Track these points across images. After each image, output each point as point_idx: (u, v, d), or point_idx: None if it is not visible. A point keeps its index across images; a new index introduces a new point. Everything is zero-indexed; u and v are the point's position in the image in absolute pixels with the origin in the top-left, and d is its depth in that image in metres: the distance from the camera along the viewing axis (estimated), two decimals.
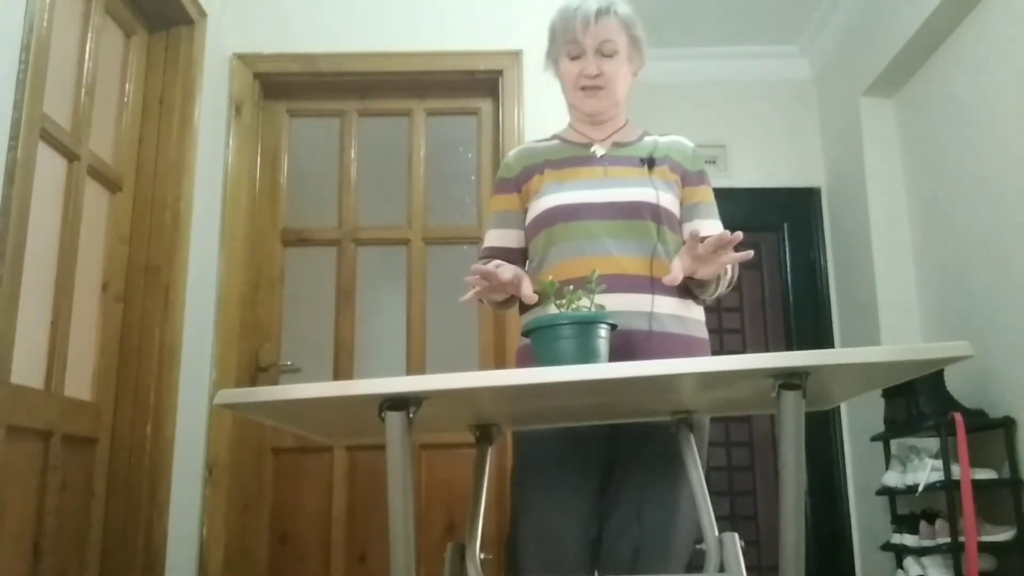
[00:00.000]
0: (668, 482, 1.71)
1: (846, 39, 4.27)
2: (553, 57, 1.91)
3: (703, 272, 1.67)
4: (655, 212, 1.78)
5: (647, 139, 1.92)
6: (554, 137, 1.97)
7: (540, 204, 1.83)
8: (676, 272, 1.65)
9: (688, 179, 1.88)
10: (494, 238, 1.91)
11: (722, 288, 1.81)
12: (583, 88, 1.85)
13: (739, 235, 1.57)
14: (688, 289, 1.78)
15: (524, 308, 1.84)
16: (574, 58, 1.85)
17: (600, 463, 1.76)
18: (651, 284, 1.73)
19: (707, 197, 1.89)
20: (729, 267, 1.77)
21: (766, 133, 4.69)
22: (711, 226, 1.84)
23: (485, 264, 1.71)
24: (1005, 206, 3.15)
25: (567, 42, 1.84)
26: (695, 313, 1.81)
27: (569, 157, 1.88)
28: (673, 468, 1.71)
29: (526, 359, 1.80)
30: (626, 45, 1.86)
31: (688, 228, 1.84)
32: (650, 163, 1.85)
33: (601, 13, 1.82)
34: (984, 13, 3.29)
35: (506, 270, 1.66)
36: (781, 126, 4.69)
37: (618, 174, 1.83)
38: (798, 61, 4.73)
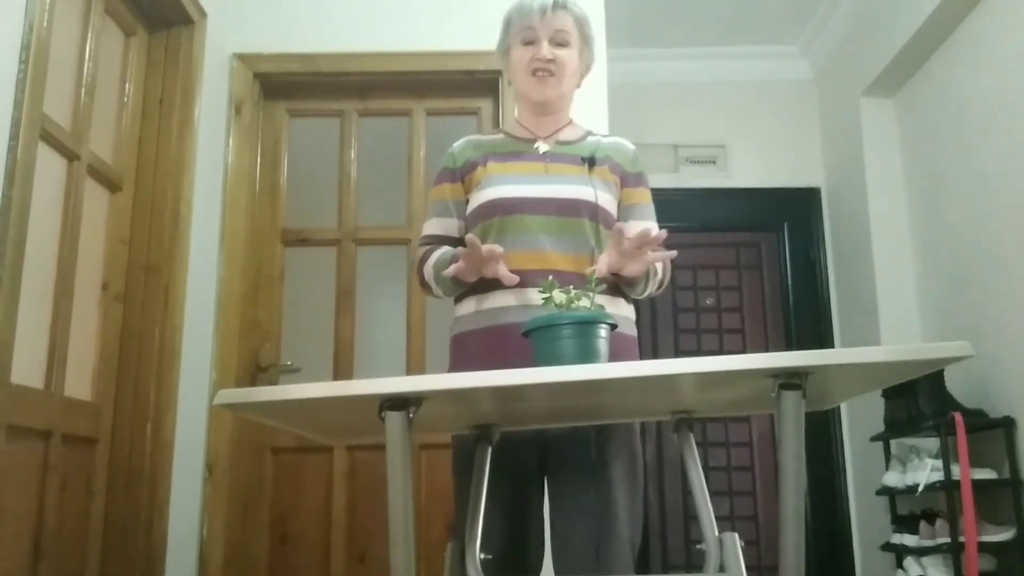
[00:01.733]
0: (604, 475, 1.72)
1: (846, 39, 4.27)
2: (505, 47, 1.94)
3: (630, 270, 1.70)
4: (593, 211, 1.81)
5: (590, 139, 1.95)
6: (499, 131, 2.00)
7: (481, 196, 1.84)
8: (600, 266, 1.68)
9: (627, 180, 1.91)
10: (436, 226, 1.91)
11: (651, 288, 1.83)
12: (535, 72, 1.87)
13: (663, 234, 1.62)
14: (619, 287, 1.80)
15: (457, 297, 1.86)
16: (527, 43, 1.87)
17: (533, 463, 1.78)
18: (583, 282, 1.74)
19: (644, 199, 1.92)
20: (659, 267, 1.80)
21: (766, 133, 4.69)
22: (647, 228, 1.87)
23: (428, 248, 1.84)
24: (1005, 206, 3.15)
25: (522, 28, 1.87)
26: (624, 311, 1.83)
27: (512, 151, 1.90)
28: (605, 460, 1.73)
29: (457, 353, 1.81)
30: (578, 40, 1.89)
31: (636, 234, 1.87)
32: (591, 162, 1.87)
33: (558, 5, 1.86)
34: (984, 13, 3.29)
35: (491, 248, 1.67)
36: (781, 126, 4.69)
37: (559, 171, 1.85)
38: (798, 61, 4.73)
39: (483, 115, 3.29)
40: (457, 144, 1.97)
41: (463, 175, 1.91)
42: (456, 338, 1.85)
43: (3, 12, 1.95)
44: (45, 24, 2.07)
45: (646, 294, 1.84)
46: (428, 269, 1.85)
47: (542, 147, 1.90)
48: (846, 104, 4.28)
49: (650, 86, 4.56)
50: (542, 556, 1.79)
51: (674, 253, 1.66)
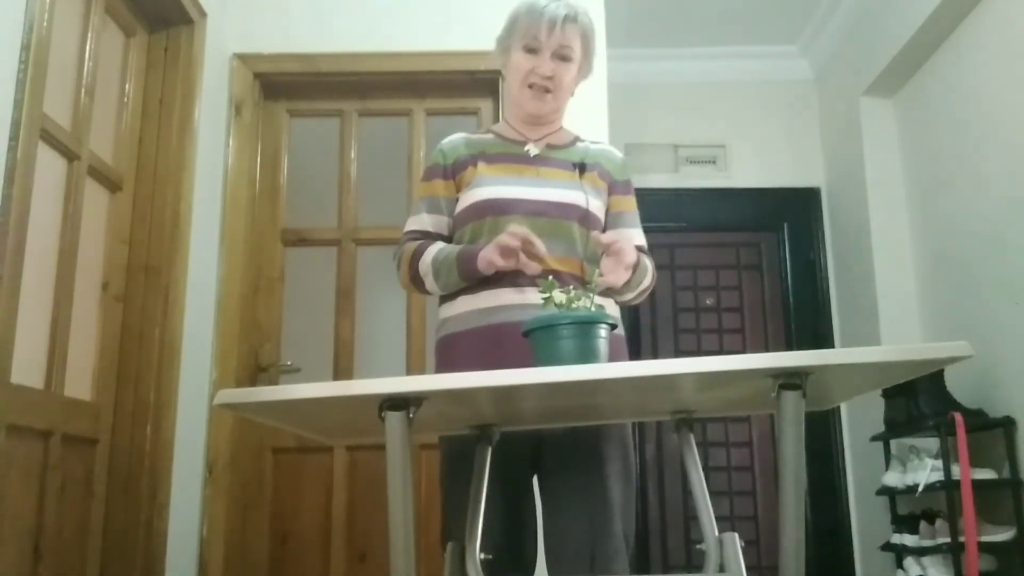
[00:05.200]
0: (598, 473, 1.72)
1: (846, 39, 4.27)
2: (505, 46, 1.92)
3: (614, 278, 1.72)
4: (583, 216, 1.81)
5: (579, 144, 1.95)
6: (489, 131, 1.98)
7: (472, 196, 1.84)
8: (619, 277, 1.69)
9: (615, 188, 1.92)
10: (426, 222, 1.89)
11: (634, 293, 1.84)
12: (531, 86, 1.86)
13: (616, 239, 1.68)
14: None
15: (444, 298, 1.87)
16: (530, 51, 1.85)
17: (525, 463, 1.78)
18: (577, 283, 1.75)
19: (630, 207, 1.93)
20: (649, 277, 1.83)
21: (766, 133, 4.68)
22: (633, 235, 1.89)
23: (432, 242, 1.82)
24: (1005, 206, 3.15)
25: (527, 36, 1.85)
26: (612, 310, 1.84)
27: (503, 152, 1.90)
28: (599, 458, 1.73)
29: (447, 355, 1.82)
30: (580, 54, 1.88)
31: (609, 236, 1.86)
32: (581, 168, 1.88)
33: (568, 19, 1.84)
34: (984, 13, 3.29)
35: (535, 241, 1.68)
36: (781, 126, 4.69)
37: (550, 175, 1.86)
38: (798, 61, 4.73)
39: (483, 115, 3.29)
40: (446, 141, 1.96)
41: (454, 173, 1.90)
42: (444, 339, 1.84)
43: (3, 12, 1.95)
44: (45, 24, 2.07)
45: (629, 297, 1.85)
46: (425, 264, 1.81)
47: (532, 150, 1.90)
48: (846, 104, 4.28)
49: (650, 86, 4.56)
50: (535, 555, 1.79)
51: (633, 257, 1.70)
